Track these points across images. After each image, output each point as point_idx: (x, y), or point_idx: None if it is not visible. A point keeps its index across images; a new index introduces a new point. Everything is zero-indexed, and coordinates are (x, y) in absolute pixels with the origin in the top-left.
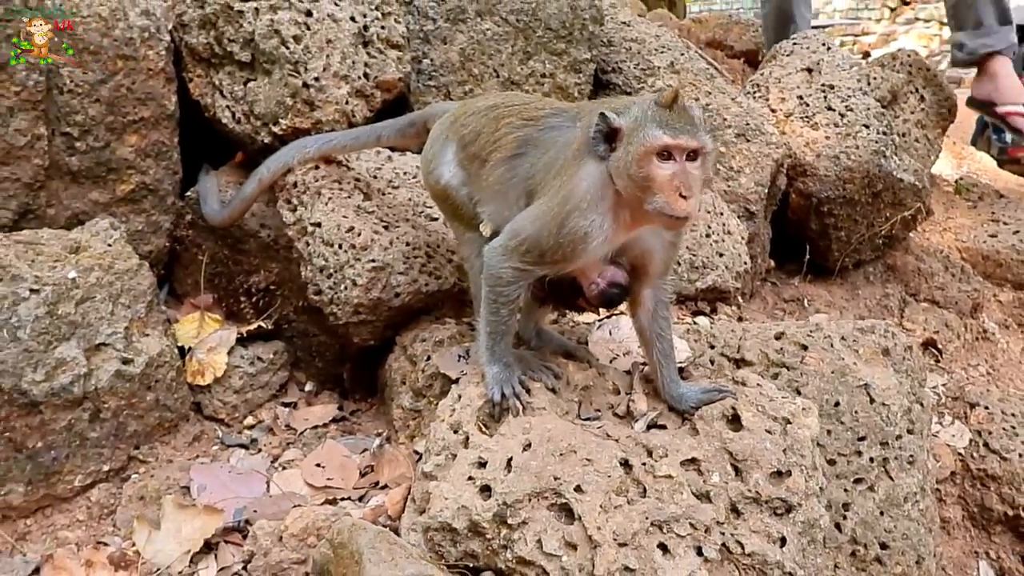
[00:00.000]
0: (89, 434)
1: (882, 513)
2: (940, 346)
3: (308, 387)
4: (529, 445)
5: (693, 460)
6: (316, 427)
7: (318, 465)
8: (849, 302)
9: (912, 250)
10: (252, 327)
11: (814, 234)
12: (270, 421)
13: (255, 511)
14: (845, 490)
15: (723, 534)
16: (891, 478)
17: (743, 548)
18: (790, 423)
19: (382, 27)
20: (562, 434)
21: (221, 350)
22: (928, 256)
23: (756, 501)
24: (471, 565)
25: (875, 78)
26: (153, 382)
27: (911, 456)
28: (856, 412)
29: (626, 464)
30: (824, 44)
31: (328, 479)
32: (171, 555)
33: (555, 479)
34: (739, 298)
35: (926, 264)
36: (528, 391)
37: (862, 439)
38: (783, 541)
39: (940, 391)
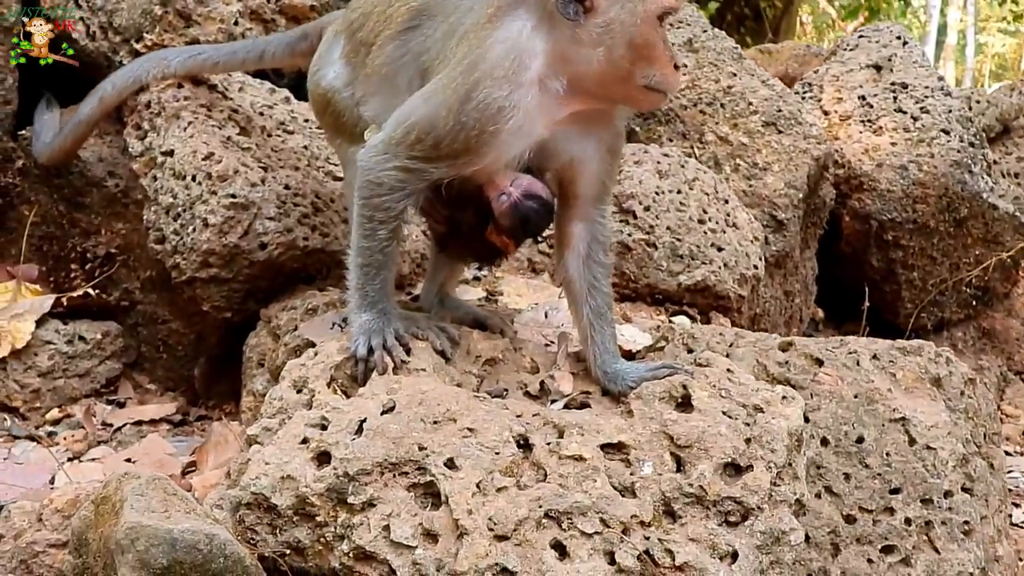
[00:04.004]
0: None
1: None
2: None
3: (150, 388)
4: (392, 407)
5: (619, 445)
6: (140, 423)
7: (128, 460)
8: None
9: (1018, 312)
10: (76, 294)
11: (876, 274)
12: (81, 416)
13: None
14: (869, 560)
15: (647, 538)
16: (936, 550)
17: (673, 558)
18: (761, 411)
19: None
20: (439, 398)
21: (28, 317)
22: None
23: (699, 501)
24: (294, 566)
25: (979, 101)
26: None
27: (966, 523)
28: (887, 455)
29: (525, 443)
30: (899, 37)
31: None
32: None
33: (420, 449)
34: (742, 310)
35: None
36: (408, 350)
37: (895, 492)
38: (733, 556)
39: None
